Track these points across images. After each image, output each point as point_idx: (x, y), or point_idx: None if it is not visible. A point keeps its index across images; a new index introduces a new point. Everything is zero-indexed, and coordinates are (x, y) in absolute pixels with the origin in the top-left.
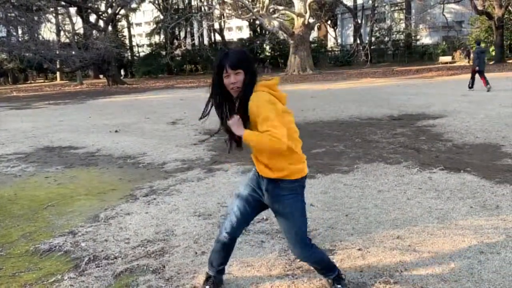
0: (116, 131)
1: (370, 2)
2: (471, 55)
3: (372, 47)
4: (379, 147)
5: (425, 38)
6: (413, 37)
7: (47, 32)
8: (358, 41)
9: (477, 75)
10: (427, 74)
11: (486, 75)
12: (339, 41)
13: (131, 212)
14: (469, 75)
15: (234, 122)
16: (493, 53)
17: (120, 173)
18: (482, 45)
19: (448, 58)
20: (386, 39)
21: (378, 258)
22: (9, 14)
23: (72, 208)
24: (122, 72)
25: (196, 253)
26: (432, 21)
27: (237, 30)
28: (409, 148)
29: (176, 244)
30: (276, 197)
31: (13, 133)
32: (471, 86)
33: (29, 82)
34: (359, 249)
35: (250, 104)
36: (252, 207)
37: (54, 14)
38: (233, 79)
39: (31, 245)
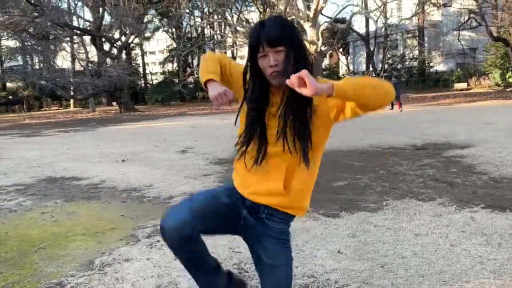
0: (123, 161)
1: (383, 30)
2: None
3: (384, 74)
4: (407, 180)
5: (438, 65)
6: (426, 64)
7: (62, 60)
8: (371, 69)
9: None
10: (444, 101)
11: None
12: (351, 68)
13: (130, 258)
14: (487, 102)
15: (306, 73)
16: (510, 80)
17: (122, 208)
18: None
19: (463, 85)
20: (399, 66)
21: None
22: (25, 43)
23: (65, 251)
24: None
25: None
26: (446, 48)
27: None
28: (441, 182)
29: None
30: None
31: (18, 162)
32: (391, 108)
33: (43, 109)
34: None
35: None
36: None
37: (69, 43)
38: (273, 60)
39: None
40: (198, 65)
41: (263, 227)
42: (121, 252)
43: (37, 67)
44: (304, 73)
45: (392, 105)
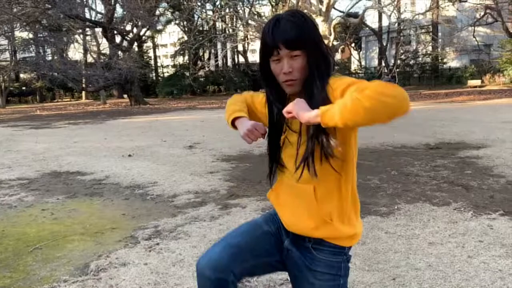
0: (129, 155)
1: (396, 25)
2: None
3: (397, 70)
4: (419, 182)
5: (452, 61)
6: (440, 60)
7: (74, 52)
8: (383, 64)
9: None
10: (458, 98)
11: None
12: (363, 63)
13: (127, 263)
14: (503, 100)
15: (299, 102)
16: None
17: (124, 206)
18: None
19: (477, 82)
20: (412, 62)
21: None
22: (39, 35)
23: (61, 252)
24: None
25: None
26: (461, 44)
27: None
28: (455, 185)
29: None
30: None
31: (24, 155)
32: None
33: (56, 100)
34: None
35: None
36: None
37: (81, 35)
38: (287, 67)
39: None
40: (209, 58)
41: (310, 259)
42: (118, 255)
43: (49, 58)
44: (290, 108)
45: None
